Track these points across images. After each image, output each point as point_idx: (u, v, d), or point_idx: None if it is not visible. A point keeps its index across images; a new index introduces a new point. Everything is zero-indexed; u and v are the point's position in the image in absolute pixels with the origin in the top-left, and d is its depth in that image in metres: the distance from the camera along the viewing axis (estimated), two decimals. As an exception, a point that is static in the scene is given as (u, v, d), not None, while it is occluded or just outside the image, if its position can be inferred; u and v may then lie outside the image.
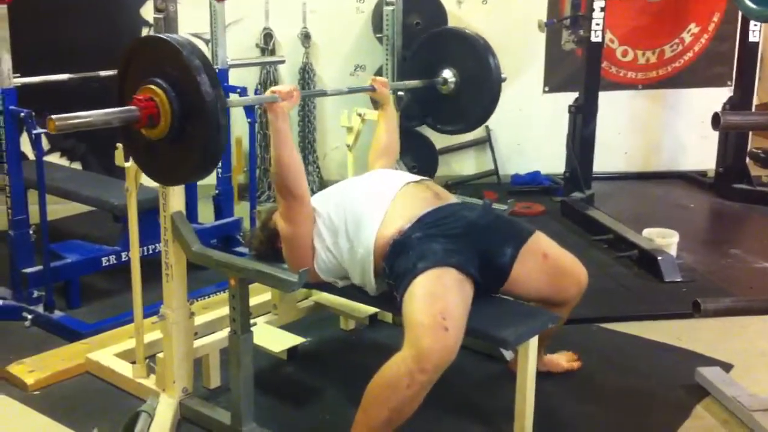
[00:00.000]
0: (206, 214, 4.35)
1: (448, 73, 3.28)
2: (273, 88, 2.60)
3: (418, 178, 2.79)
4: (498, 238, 2.57)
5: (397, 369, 2.19)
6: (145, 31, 5.33)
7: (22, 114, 3.26)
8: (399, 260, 2.43)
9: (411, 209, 2.56)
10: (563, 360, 3.04)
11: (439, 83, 3.29)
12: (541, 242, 2.66)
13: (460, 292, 2.35)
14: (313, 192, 2.83)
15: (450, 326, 2.22)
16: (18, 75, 3.35)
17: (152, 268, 2.85)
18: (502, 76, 3.23)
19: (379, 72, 5.26)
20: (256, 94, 4.17)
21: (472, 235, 2.50)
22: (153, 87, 2.10)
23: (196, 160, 2.14)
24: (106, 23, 5.32)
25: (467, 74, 3.27)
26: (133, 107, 2.10)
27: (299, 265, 2.58)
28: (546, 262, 2.62)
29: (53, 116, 1.99)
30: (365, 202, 2.62)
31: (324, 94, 2.99)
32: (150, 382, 2.78)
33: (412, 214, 2.53)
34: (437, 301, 2.27)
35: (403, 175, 2.81)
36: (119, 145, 2.75)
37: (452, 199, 2.74)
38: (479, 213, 2.62)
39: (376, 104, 3.20)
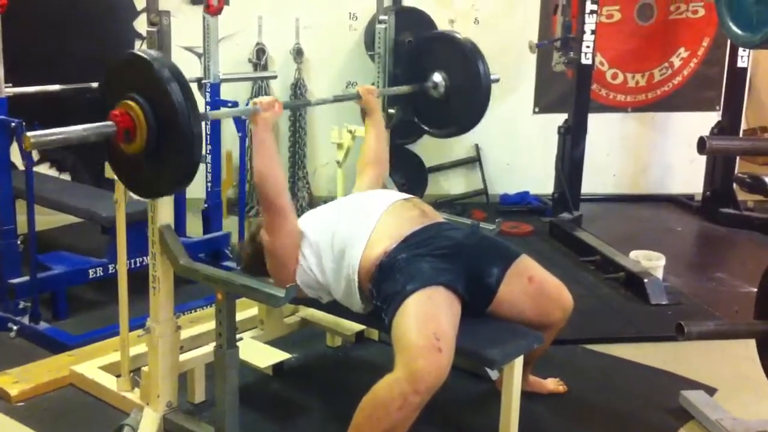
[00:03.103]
0: (195, 228, 4.35)
1: (437, 77, 3.28)
2: (254, 100, 2.62)
3: (405, 196, 2.79)
4: (485, 258, 2.58)
5: (389, 390, 2.19)
6: (138, 44, 5.33)
7: (13, 124, 3.26)
8: (386, 283, 2.43)
9: (397, 229, 2.56)
10: (550, 382, 3.04)
11: (429, 87, 3.30)
12: (527, 265, 2.67)
13: (450, 311, 2.36)
14: (302, 209, 2.83)
15: (443, 347, 2.22)
16: (10, 85, 3.35)
17: (139, 280, 2.85)
18: (493, 77, 3.24)
19: (370, 89, 5.29)
20: (246, 108, 4.18)
21: (459, 254, 2.51)
22: (129, 102, 2.13)
23: (173, 171, 2.16)
24: (100, 36, 5.32)
25: (457, 77, 3.27)
26: (109, 122, 2.13)
27: (282, 278, 2.58)
28: (531, 285, 2.63)
29: (28, 133, 2.02)
30: (350, 223, 2.62)
31: (308, 104, 2.98)
32: (134, 396, 2.77)
33: (398, 234, 2.54)
34: (430, 321, 2.27)
35: (389, 194, 2.82)
36: (109, 157, 2.75)
37: (439, 217, 2.75)
38: (466, 233, 2.63)
39: (364, 114, 3.21)
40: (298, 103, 2.68)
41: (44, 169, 5.28)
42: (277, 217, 2.58)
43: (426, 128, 3.46)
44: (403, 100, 3.40)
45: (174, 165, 2.15)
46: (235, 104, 3.94)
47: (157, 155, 2.15)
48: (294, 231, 2.63)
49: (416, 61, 3.38)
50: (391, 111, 3.40)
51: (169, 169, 2.16)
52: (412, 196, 2.83)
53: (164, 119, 2.10)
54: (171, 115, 2.07)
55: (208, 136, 4.08)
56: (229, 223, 4.67)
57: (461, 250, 2.53)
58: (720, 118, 5.65)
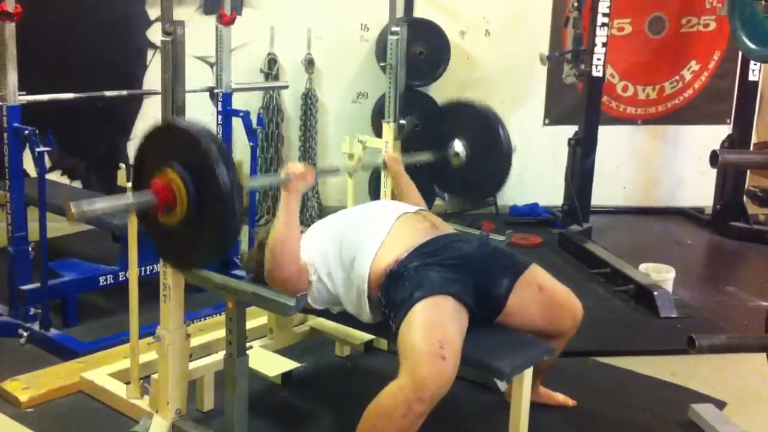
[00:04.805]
0: (205, 236, 4.35)
1: (458, 146, 3.26)
2: (287, 169, 2.61)
3: (415, 208, 2.81)
4: (494, 269, 2.59)
5: (393, 398, 2.19)
6: (150, 53, 5.37)
7: (26, 131, 3.28)
8: (395, 290, 2.44)
9: (408, 239, 2.57)
10: (559, 394, 3.03)
11: (450, 155, 3.28)
12: (537, 274, 2.67)
13: (457, 320, 2.36)
14: (312, 219, 2.83)
15: (447, 355, 2.22)
16: (23, 93, 3.38)
17: (150, 288, 2.86)
18: (513, 146, 3.22)
19: (381, 100, 5.31)
20: (258, 118, 4.19)
21: (468, 265, 2.51)
22: (170, 173, 2.12)
23: (211, 244, 2.17)
24: (113, 45, 5.36)
25: (478, 146, 3.24)
26: (150, 193, 2.13)
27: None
28: (541, 295, 2.63)
29: (72, 206, 1.99)
30: (361, 233, 2.63)
31: (337, 171, 2.95)
32: (144, 403, 2.77)
33: (408, 244, 2.54)
34: (435, 329, 2.28)
35: (399, 206, 2.83)
36: (122, 165, 2.77)
37: (449, 229, 2.76)
38: (476, 244, 2.64)
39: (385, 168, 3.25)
40: (329, 170, 2.67)
41: (56, 176, 5.30)
42: (280, 275, 2.58)
43: (448, 196, 3.43)
44: (425, 168, 3.38)
45: (211, 238, 2.15)
46: (246, 114, 3.95)
47: (195, 227, 2.15)
48: (299, 267, 2.61)
49: (437, 129, 3.37)
50: (402, 122, 3.41)
51: (205, 242, 2.17)
52: (421, 207, 2.85)
53: (206, 195, 2.10)
54: (215, 192, 2.07)
55: (220, 146, 4.10)
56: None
57: (471, 261, 2.53)
58: (731, 132, 5.65)
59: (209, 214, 2.10)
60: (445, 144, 3.28)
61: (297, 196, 2.59)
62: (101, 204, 2.09)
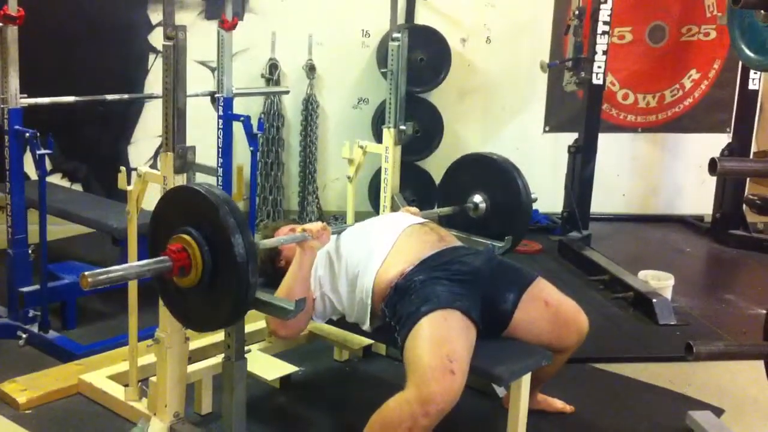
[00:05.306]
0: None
1: (478, 198, 3.25)
2: (305, 226, 2.61)
3: (421, 220, 2.80)
4: (501, 284, 2.59)
5: (399, 410, 2.18)
6: (152, 58, 5.38)
7: (27, 134, 3.29)
8: (401, 303, 2.44)
9: (414, 251, 2.57)
10: (557, 401, 3.03)
11: (470, 208, 3.27)
12: (542, 289, 2.67)
13: (464, 335, 2.35)
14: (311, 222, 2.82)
15: (456, 370, 2.22)
16: (25, 95, 3.39)
17: (149, 291, 2.85)
18: (533, 196, 3.21)
19: (382, 106, 5.32)
20: (259, 123, 4.19)
21: (476, 280, 2.52)
22: (187, 237, 2.13)
23: (223, 309, 2.18)
24: (115, 49, 5.37)
25: (497, 197, 3.24)
26: (165, 258, 2.15)
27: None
28: (547, 310, 2.63)
29: (86, 273, 2.01)
30: (366, 246, 2.64)
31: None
32: (142, 406, 2.77)
33: (414, 257, 2.55)
34: (444, 344, 2.27)
35: (406, 218, 2.83)
36: (122, 169, 2.77)
37: (456, 242, 2.76)
38: (483, 258, 2.64)
39: None
40: (342, 227, 2.65)
41: (56, 179, 5.31)
42: (295, 327, 2.62)
43: None
44: (444, 218, 3.35)
45: (225, 303, 2.17)
46: (247, 119, 3.95)
47: (208, 292, 2.17)
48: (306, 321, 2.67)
49: (455, 183, 3.37)
50: (403, 128, 3.42)
51: (218, 306, 2.19)
52: (427, 220, 2.85)
53: (221, 262, 2.11)
54: (230, 261, 2.08)
55: (220, 150, 4.11)
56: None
57: (478, 276, 2.54)
58: (730, 140, 5.66)
59: (223, 281, 2.13)
60: (465, 196, 3.28)
61: (312, 254, 2.58)
62: (117, 274, 2.12)
